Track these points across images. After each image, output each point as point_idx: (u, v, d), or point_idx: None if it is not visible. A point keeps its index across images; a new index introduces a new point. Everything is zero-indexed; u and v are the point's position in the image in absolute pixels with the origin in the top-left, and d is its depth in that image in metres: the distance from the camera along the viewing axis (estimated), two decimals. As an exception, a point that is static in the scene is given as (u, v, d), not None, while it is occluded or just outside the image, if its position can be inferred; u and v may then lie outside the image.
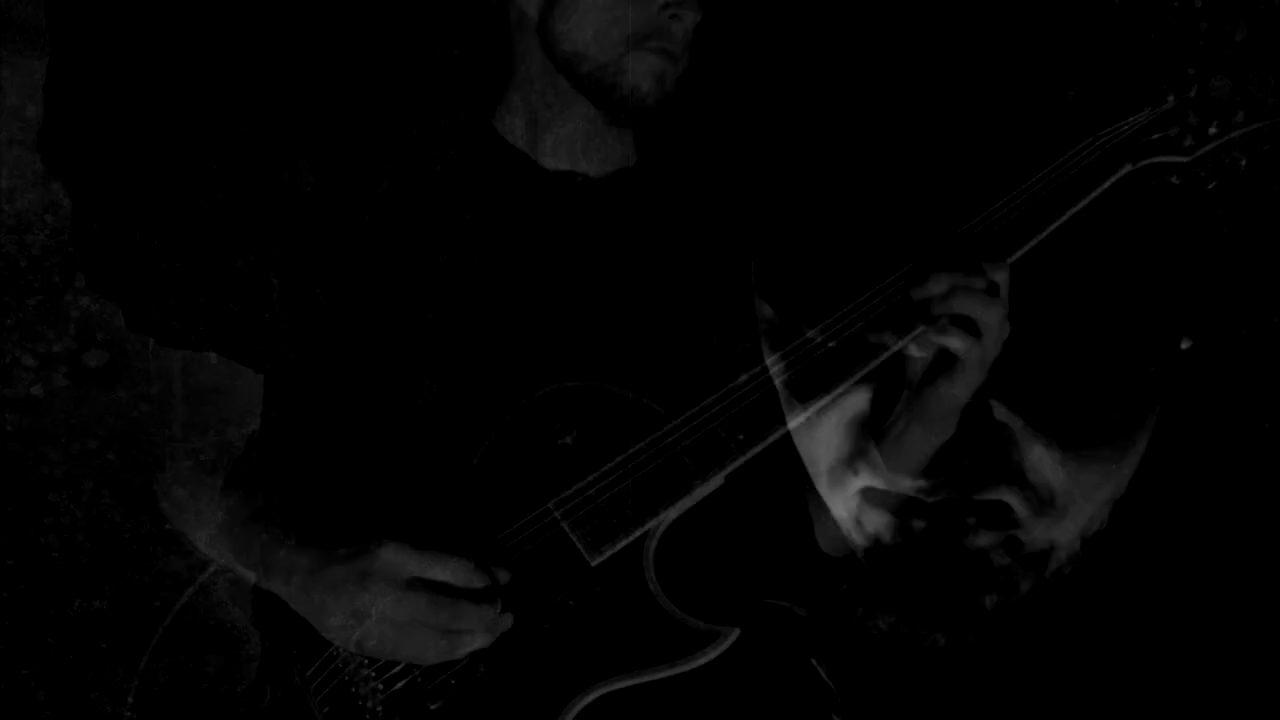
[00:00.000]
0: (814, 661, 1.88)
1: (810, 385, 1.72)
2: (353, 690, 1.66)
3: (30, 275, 2.27)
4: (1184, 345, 2.03)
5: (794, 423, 1.71)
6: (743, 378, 1.73)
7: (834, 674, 1.89)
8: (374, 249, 1.88)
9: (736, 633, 1.64)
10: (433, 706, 1.64)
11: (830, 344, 1.73)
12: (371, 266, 1.88)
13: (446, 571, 1.62)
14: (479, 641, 1.62)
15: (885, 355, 1.73)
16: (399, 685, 1.65)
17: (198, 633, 2.31)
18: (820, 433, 1.79)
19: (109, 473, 2.33)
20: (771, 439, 1.71)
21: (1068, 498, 1.87)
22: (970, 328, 1.70)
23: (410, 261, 1.87)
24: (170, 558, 2.34)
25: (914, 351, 1.75)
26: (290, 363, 1.90)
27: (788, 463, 1.81)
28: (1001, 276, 1.72)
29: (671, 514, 1.69)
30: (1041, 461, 1.86)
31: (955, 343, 1.70)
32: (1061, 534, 1.89)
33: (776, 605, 1.87)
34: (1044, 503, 1.87)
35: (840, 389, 1.72)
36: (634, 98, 1.86)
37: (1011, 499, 1.85)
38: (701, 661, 1.63)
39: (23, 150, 2.19)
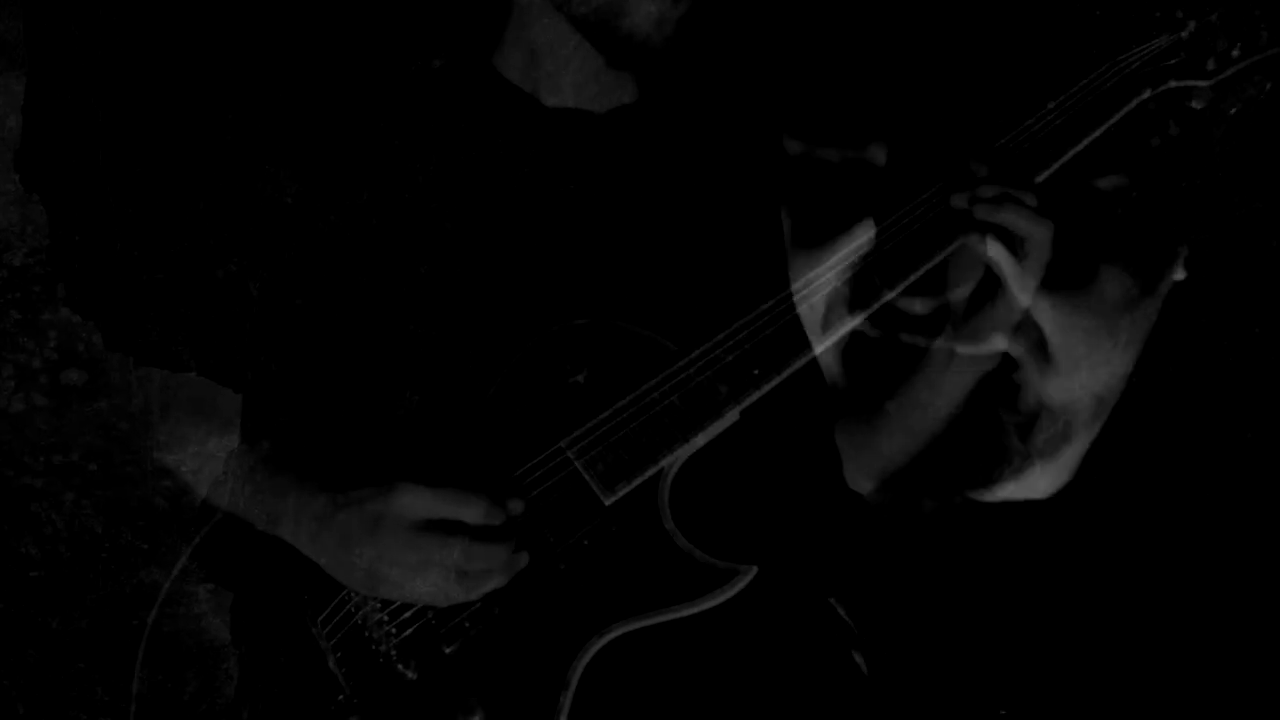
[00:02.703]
0: (832, 601, 1.84)
1: (832, 313, 1.69)
2: (366, 634, 1.61)
3: (10, 289, 2.28)
4: (1179, 276, 2.02)
5: (812, 353, 1.68)
6: (757, 310, 1.68)
7: (853, 612, 1.84)
8: (360, 253, 1.88)
9: (754, 570, 1.59)
10: (447, 650, 1.59)
11: (856, 271, 1.69)
12: (357, 255, 1.83)
13: (462, 510, 1.57)
14: (495, 582, 1.57)
15: (913, 277, 1.68)
16: (412, 629, 1.60)
17: (175, 650, 2.28)
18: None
19: (90, 485, 2.31)
20: (788, 372, 1.66)
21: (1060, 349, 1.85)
22: (1010, 241, 1.67)
23: (409, 204, 1.82)
24: (151, 569, 2.32)
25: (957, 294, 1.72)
26: (272, 374, 1.89)
27: (809, 398, 1.77)
28: (1031, 200, 1.68)
29: (685, 451, 1.64)
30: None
31: (999, 253, 1.67)
32: (1055, 392, 1.88)
33: (794, 543, 1.82)
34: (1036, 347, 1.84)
35: (865, 314, 1.68)
36: (633, 41, 1.79)
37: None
38: (720, 600, 1.58)
39: (1, 166, 2.20)
